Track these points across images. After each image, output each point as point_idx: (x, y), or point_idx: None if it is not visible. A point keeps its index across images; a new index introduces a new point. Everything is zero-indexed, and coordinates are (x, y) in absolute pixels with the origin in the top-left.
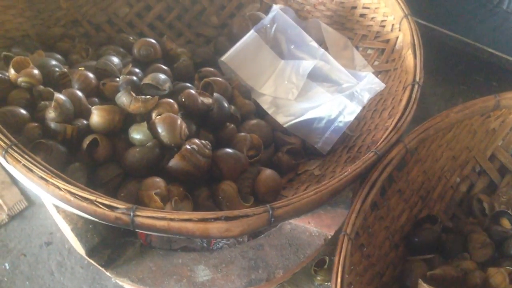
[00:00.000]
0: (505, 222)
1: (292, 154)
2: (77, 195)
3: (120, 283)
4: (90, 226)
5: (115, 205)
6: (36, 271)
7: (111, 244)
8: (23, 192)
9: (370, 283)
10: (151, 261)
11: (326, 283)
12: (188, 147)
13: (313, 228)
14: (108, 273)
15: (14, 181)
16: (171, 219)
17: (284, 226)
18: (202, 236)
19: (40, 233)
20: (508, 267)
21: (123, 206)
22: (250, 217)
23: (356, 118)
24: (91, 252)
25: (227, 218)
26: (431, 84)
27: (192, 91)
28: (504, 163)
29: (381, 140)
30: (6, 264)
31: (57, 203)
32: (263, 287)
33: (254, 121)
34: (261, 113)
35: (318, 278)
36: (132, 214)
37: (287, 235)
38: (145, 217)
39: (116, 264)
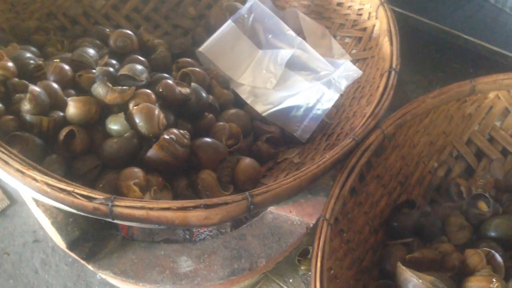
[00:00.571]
0: (482, 205)
1: (272, 142)
2: (54, 186)
3: (103, 276)
4: (70, 219)
5: (93, 195)
6: (20, 270)
7: (92, 237)
8: (5, 191)
9: (350, 267)
10: (133, 254)
11: (309, 272)
12: (166, 137)
13: (295, 217)
14: (90, 266)
15: None
16: (150, 208)
17: (266, 216)
18: (182, 224)
19: (23, 231)
20: (485, 248)
21: (101, 197)
22: (229, 205)
23: (334, 106)
24: (72, 246)
25: (206, 206)
26: (409, 72)
27: (170, 81)
28: (481, 147)
29: (359, 126)
30: None
31: (35, 196)
32: (246, 276)
33: (232, 111)
34: (239, 103)
35: (302, 267)
36: (110, 204)
37: (269, 225)
38: (124, 206)
39: (98, 257)
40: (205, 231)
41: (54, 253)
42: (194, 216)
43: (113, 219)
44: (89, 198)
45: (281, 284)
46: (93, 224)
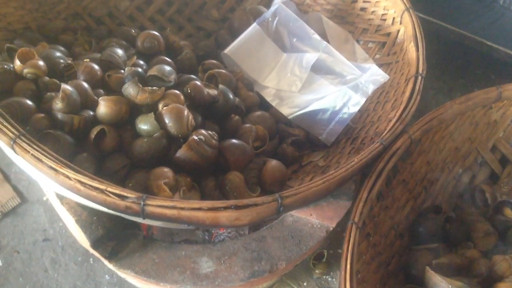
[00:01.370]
0: (508, 211)
1: (297, 145)
2: (87, 184)
3: (123, 275)
4: (94, 218)
5: (125, 194)
6: (30, 268)
7: (115, 236)
8: (16, 189)
9: (376, 271)
10: (154, 253)
11: (324, 276)
12: (195, 137)
13: (315, 220)
14: (111, 266)
15: (6, 177)
16: (182, 208)
17: (286, 218)
18: (212, 224)
19: (33, 230)
20: None
21: (134, 195)
22: (259, 206)
23: (358, 110)
24: (95, 244)
25: (237, 207)
26: (429, 78)
27: (198, 83)
28: (505, 154)
29: (386, 131)
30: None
31: (65, 194)
32: (266, 278)
33: (258, 113)
34: (264, 105)
35: (317, 271)
36: (142, 203)
37: (289, 227)
38: (156, 206)
39: (120, 256)
40: (223, 233)
41: (64, 252)
42: (225, 216)
43: (144, 218)
44: (122, 197)
45: (295, 287)
46: (116, 223)
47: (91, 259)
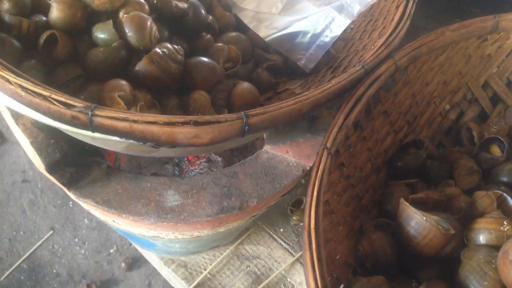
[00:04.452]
0: (494, 149)
1: (273, 71)
2: (30, 90)
3: (84, 205)
4: (52, 141)
5: (71, 102)
6: (8, 209)
7: (75, 162)
8: None
9: (348, 204)
10: (118, 184)
11: (301, 223)
12: (158, 50)
13: (291, 158)
14: (71, 194)
15: None
16: (134, 121)
17: (260, 155)
18: (168, 141)
19: (12, 170)
20: (496, 191)
21: (81, 104)
22: (221, 123)
23: (343, 39)
24: (51, 168)
25: (196, 123)
26: (422, 17)
27: None
28: (497, 92)
29: (370, 54)
30: None
31: (8, 104)
32: (235, 216)
33: (233, 34)
34: (241, 29)
35: (294, 218)
36: (90, 113)
37: (263, 164)
38: (105, 117)
39: (80, 184)
40: (195, 169)
41: (43, 194)
42: (182, 133)
43: (94, 131)
44: (67, 105)
45: (271, 233)
46: (76, 148)
47: (70, 202)
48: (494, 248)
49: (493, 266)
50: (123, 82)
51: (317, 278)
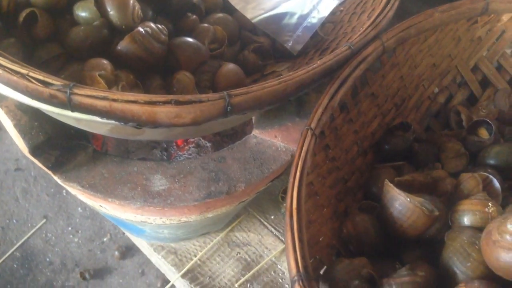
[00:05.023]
0: (483, 132)
1: (259, 53)
2: (7, 67)
3: (69, 189)
4: (36, 123)
5: (49, 80)
6: (0, 197)
7: (59, 145)
8: None
9: (333, 186)
10: (104, 168)
11: None
12: (141, 29)
13: (280, 143)
14: (56, 178)
15: None
16: (114, 100)
17: (249, 140)
18: (149, 121)
19: (5, 158)
20: (482, 173)
21: (59, 82)
22: (203, 103)
23: (332, 22)
24: (35, 151)
25: (178, 102)
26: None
27: None
28: (487, 75)
29: (357, 35)
30: None
31: None
32: (223, 201)
33: (220, 15)
34: (229, 10)
35: (285, 205)
36: (69, 91)
37: (251, 149)
38: (84, 96)
39: (65, 168)
40: (184, 154)
41: (36, 182)
42: (163, 112)
43: (73, 110)
44: (45, 84)
45: (262, 220)
46: (61, 132)
47: (64, 191)
48: (478, 229)
49: (477, 247)
50: (104, 61)
51: (298, 259)
